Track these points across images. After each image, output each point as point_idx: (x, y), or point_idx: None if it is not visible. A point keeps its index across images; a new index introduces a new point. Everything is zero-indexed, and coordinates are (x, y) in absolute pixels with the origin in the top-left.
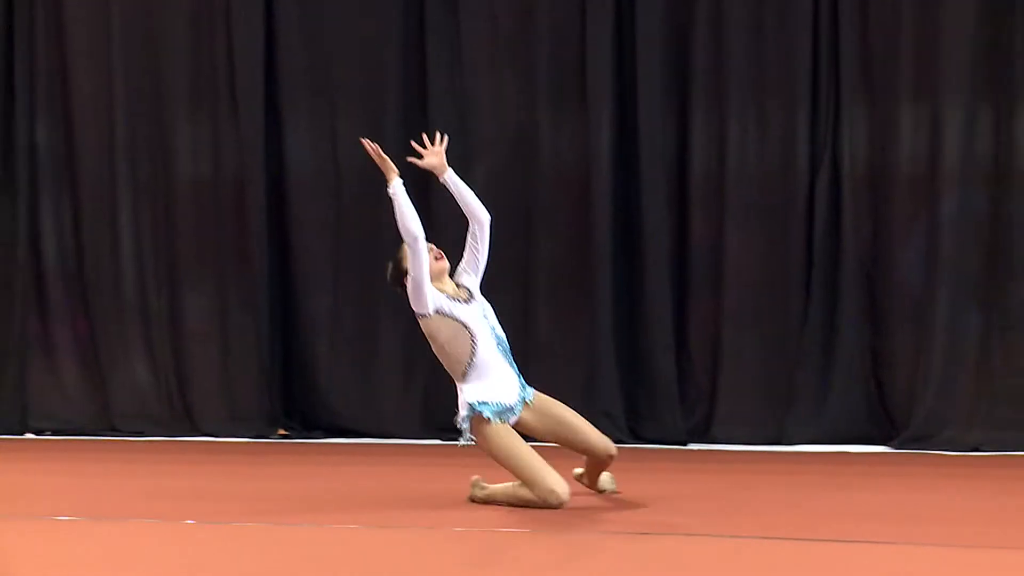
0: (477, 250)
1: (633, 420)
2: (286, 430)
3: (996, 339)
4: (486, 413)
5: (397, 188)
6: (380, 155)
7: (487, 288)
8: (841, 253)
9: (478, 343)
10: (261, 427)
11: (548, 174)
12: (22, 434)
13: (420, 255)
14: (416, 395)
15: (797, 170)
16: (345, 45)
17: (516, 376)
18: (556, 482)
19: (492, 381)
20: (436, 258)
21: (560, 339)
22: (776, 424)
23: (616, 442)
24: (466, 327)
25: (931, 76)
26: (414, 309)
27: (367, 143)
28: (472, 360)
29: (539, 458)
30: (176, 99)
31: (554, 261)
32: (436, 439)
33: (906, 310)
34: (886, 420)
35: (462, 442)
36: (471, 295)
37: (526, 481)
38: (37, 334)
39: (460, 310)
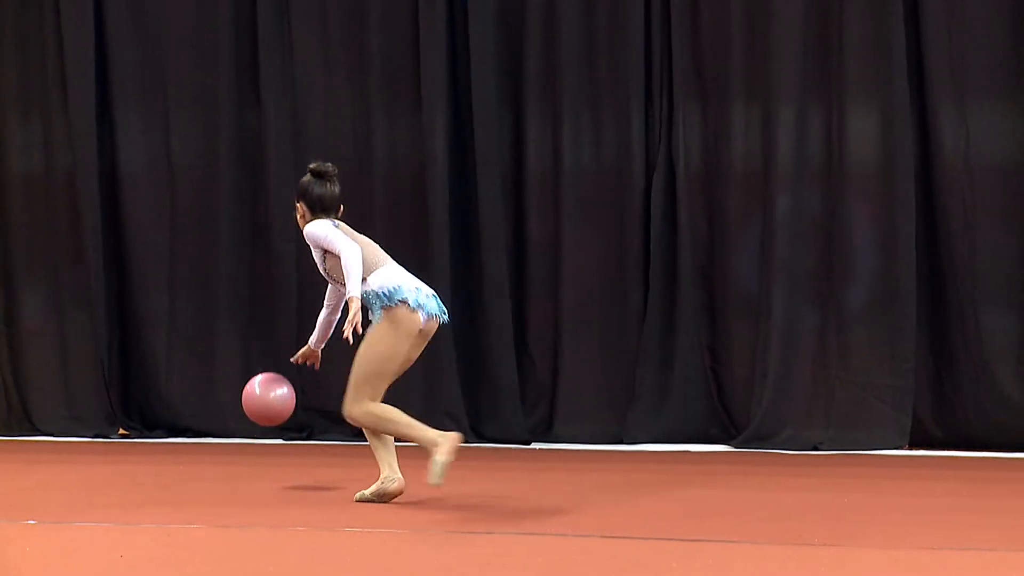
0: None
1: (475, 419)
2: (126, 429)
3: (832, 338)
4: (403, 296)
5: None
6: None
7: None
8: (678, 252)
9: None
10: (101, 426)
11: (383, 175)
12: None
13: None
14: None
15: (632, 170)
16: (177, 40)
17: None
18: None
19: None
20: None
21: None
22: (617, 423)
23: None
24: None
25: (762, 76)
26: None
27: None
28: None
29: (386, 382)
30: (5, 95)
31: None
32: (278, 439)
33: (742, 309)
34: (726, 419)
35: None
36: None
37: (369, 378)
38: None
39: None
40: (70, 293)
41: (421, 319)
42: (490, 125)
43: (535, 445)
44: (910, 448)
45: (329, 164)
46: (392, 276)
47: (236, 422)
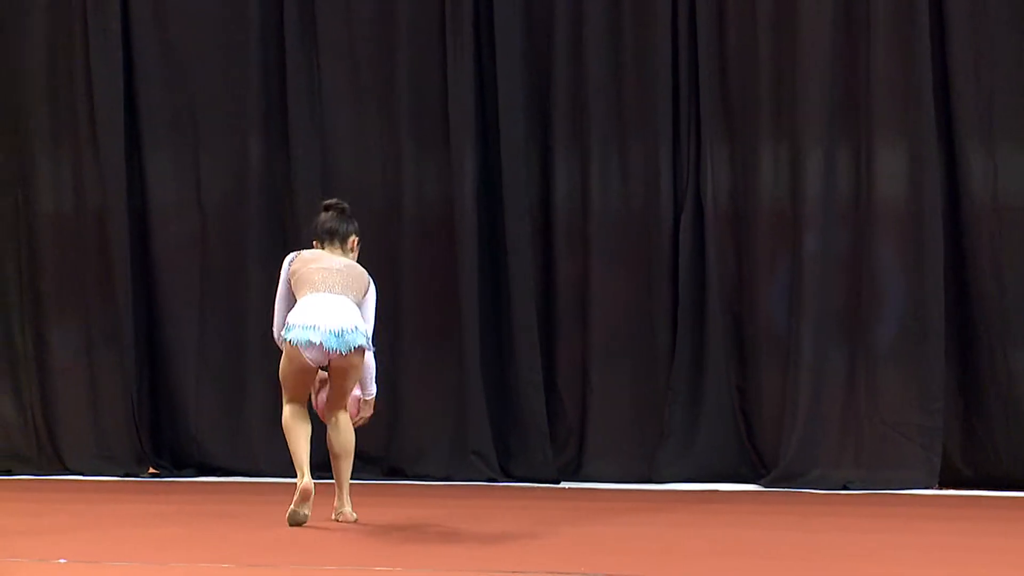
0: None
1: (504, 458)
2: (156, 468)
3: (861, 377)
4: (286, 335)
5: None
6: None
7: None
8: (706, 291)
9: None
10: (131, 465)
11: (412, 214)
12: None
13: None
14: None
15: (660, 209)
16: (205, 80)
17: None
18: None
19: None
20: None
21: (428, 379)
22: (646, 462)
23: (488, 481)
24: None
25: (790, 115)
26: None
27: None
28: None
29: (299, 399)
30: (35, 133)
31: (420, 301)
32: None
33: (771, 348)
34: (755, 458)
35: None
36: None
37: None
38: None
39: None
40: (100, 331)
41: (304, 354)
42: (518, 164)
43: (564, 484)
44: (940, 488)
45: (337, 200)
46: (295, 313)
47: (267, 461)
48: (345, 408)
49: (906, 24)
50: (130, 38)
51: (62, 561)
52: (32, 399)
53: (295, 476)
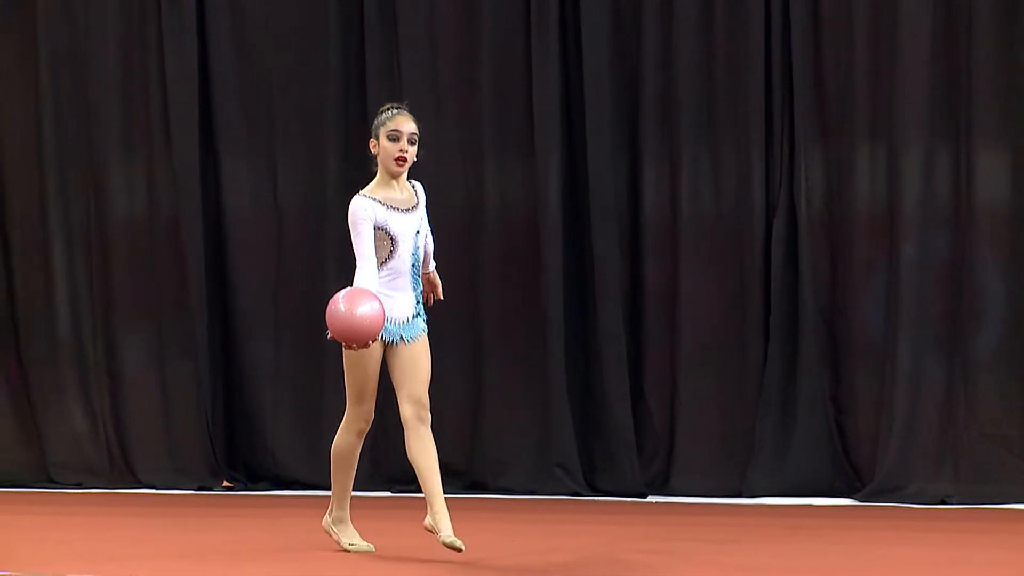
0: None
1: (590, 472)
2: (230, 481)
3: (960, 387)
4: None
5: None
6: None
7: (437, 335)
8: (799, 298)
9: (396, 253)
10: (204, 479)
11: (496, 222)
12: None
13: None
14: (364, 445)
15: (752, 214)
16: (283, 83)
17: (413, 305)
18: (369, 411)
19: (390, 293)
20: (398, 162)
21: (512, 390)
22: (737, 475)
23: (572, 495)
24: (392, 238)
25: (887, 116)
26: None
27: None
28: (382, 265)
29: (372, 383)
30: (108, 139)
31: (503, 309)
32: (385, 491)
33: (867, 357)
34: (851, 472)
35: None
36: (415, 208)
37: (348, 396)
38: None
39: (393, 220)
40: (173, 340)
41: None
42: (605, 169)
43: (651, 498)
44: None
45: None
46: None
47: None
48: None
49: (1007, 24)
50: (205, 41)
51: None
52: (103, 410)
53: (373, 490)
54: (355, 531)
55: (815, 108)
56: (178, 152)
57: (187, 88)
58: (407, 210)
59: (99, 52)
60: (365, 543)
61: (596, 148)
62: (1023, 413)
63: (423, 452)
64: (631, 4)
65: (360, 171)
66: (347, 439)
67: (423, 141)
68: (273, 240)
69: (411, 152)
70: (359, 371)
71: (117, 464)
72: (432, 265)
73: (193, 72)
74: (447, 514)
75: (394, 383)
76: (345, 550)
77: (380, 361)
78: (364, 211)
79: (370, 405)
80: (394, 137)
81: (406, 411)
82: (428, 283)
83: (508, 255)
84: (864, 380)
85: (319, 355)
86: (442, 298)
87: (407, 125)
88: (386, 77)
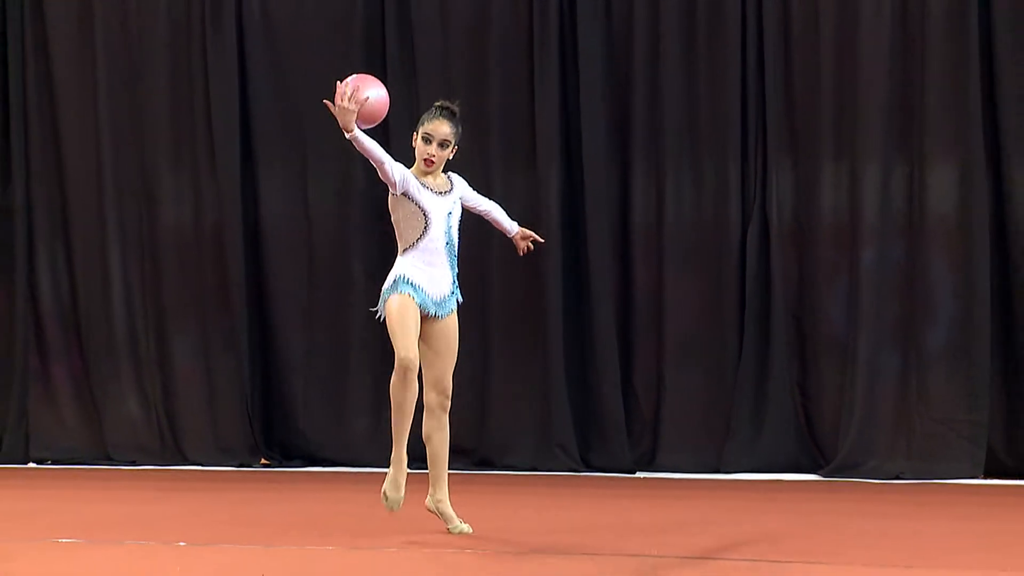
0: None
1: (585, 451)
2: (267, 460)
3: (913, 377)
4: (404, 289)
5: (357, 133)
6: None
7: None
8: (771, 298)
9: (429, 230)
10: (245, 457)
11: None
12: (25, 463)
13: (384, 165)
14: (384, 426)
15: (729, 223)
16: (313, 103)
17: (450, 283)
18: (408, 346)
19: (425, 268)
20: (425, 163)
21: (517, 378)
22: (715, 454)
23: (570, 471)
24: (424, 213)
25: (849, 136)
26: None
27: (328, 103)
28: (417, 243)
29: (415, 329)
30: (159, 154)
31: (509, 307)
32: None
33: (830, 350)
34: (815, 451)
35: (377, 310)
36: (449, 192)
37: (394, 343)
38: (37, 372)
39: (426, 197)
40: (217, 335)
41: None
42: (599, 180)
43: (639, 474)
44: (985, 478)
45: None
46: (411, 266)
47: (369, 452)
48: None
49: (957, 53)
50: (244, 67)
51: (182, 544)
52: (155, 397)
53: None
54: (402, 485)
55: (785, 129)
56: (221, 166)
57: (228, 109)
58: (440, 193)
59: (151, 77)
60: (398, 496)
61: (591, 163)
62: (968, 399)
63: (439, 434)
64: (623, 36)
65: (380, 185)
66: (393, 382)
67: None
68: (304, 245)
69: (439, 156)
70: (396, 319)
71: (167, 444)
72: (513, 225)
73: (234, 95)
74: (447, 499)
75: (424, 366)
76: (383, 495)
77: (419, 319)
78: (401, 171)
79: (409, 341)
80: (427, 139)
81: (430, 398)
82: (523, 237)
83: (513, 258)
84: (828, 370)
85: (344, 349)
86: (542, 240)
87: (441, 129)
88: (405, 100)
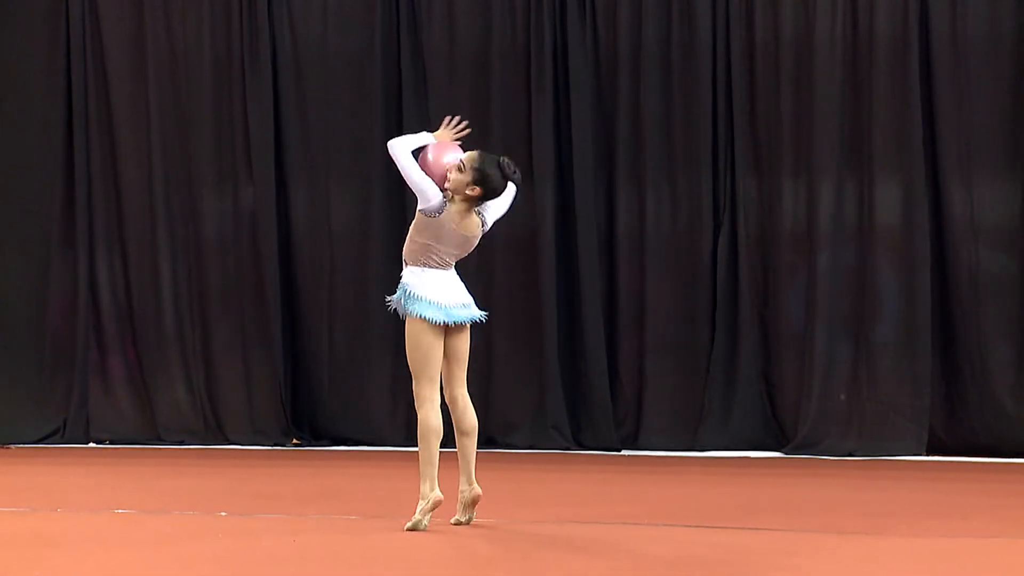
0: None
1: (576, 431)
2: (298, 440)
3: (863, 366)
4: (424, 312)
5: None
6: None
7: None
8: (738, 297)
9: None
10: (278, 437)
11: (504, 234)
12: (86, 443)
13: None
14: (401, 409)
15: (702, 231)
16: (337, 126)
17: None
18: (430, 412)
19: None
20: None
21: (515, 367)
22: (690, 434)
23: (562, 450)
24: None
25: (807, 155)
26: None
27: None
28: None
29: (435, 366)
30: (203, 173)
31: (509, 305)
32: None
33: (791, 343)
34: (778, 431)
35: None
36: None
37: (413, 375)
38: (96, 363)
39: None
40: (254, 330)
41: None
42: (587, 194)
43: (625, 452)
44: (927, 455)
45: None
46: (417, 277)
47: (388, 432)
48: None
49: (901, 83)
50: (278, 96)
51: (223, 514)
52: (199, 384)
53: (409, 446)
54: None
55: (751, 149)
56: (257, 180)
57: (264, 130)
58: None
59: (196, 103)
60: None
61: (581, 178)
62: (912, 386)
63: (468, 421)
64: (609, 67)
65: (398, 197)
66: (420, 416)
67: None
68: (328, 249)
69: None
70: (419, 362)
71: (210, 426)
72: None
73: (269, 118)
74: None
75: (443, 371)
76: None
77: (441, 345)
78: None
79: (431, 403)
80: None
81: (455, 396)
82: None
83: (514, 263)
84: (789, 361)
85: (363, 343)
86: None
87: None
88: (418, 122)
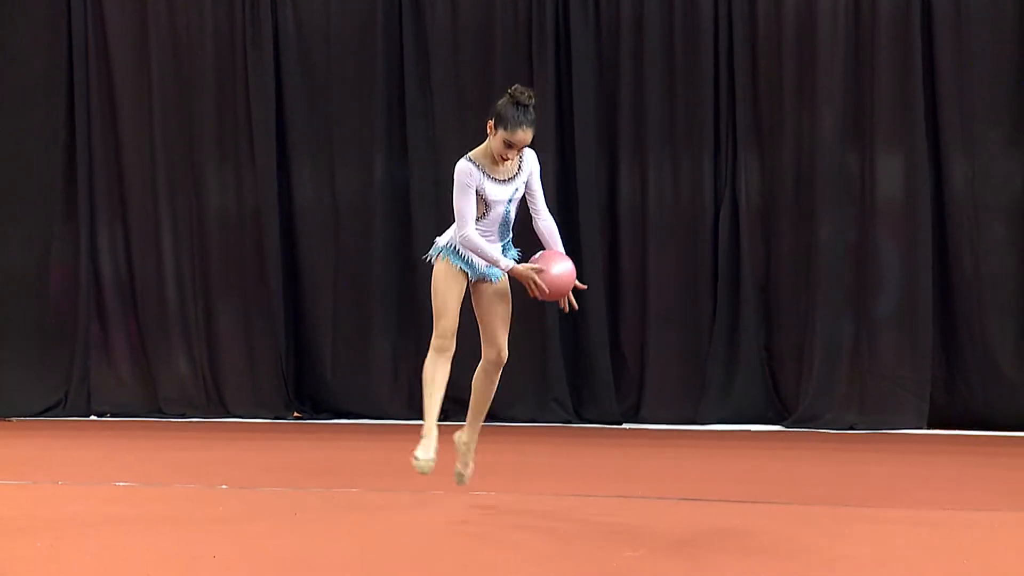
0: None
1: (578, 405)
2: (300, 413)
3: (864, 340)
4: (449, 256)
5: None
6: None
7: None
8: (740, 271)
9: (488, 215)
10: (280, 410)
11: None
12: (87, 416)
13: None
14: (403, 383)
15: (704, 204)
16: (340, 102)
17: (499, 251)
18: (444, 329)
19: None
20: (500, 158)
21: (519, 342)
22: (692, 408)
23: (563, 423)
24: (487, 202)
25: (808, 130)
26: None
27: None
28: (476, 222)
29: (455, 309)
30: (205, 146)
31: (514, 280)
32: (421, 419)
33: (792, 316)
34: (779, 405)
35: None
36: (515, 177)
37: (434, 319)
38: (98, 337)
39: (491, 188)
40: (255, 304)
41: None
42: (589, 170)
43: (626, 425)
44: (928, 428)
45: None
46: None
47: (389, 406)
48: None
49: (902, 57)
50: (280, 69)
51: (224, 487)
52: (202, 358)
53: (415, 419)
54: (432, 449)
55: (752, 124)
56: (259, 158)
57: (266, 109)
58: (504, 180)
59: (199, 80)
60: (429, 460)
61: (583, 154)
62: (912, 360)
63: (487, 385)
64: (610, 42)
65: (400, 173)
66: (428, 356)
67: (449, 149)
68: (331, 227)
69: (511, 154)
70: (439, 294)
71: (212, 399)
72: (558, 246)
73: (271, 97)
74: (474, 445)
75: (480, 325)
76: (414, 458)
77: (463, 290)
78: (469, 176)
79: (447, 324)
80: (508, 144)
81: (490, 355)
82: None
83: (517, 239)
84: (790, 334)
85: (366, 316)
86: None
87: (525, 139)
88: (421, 99)
